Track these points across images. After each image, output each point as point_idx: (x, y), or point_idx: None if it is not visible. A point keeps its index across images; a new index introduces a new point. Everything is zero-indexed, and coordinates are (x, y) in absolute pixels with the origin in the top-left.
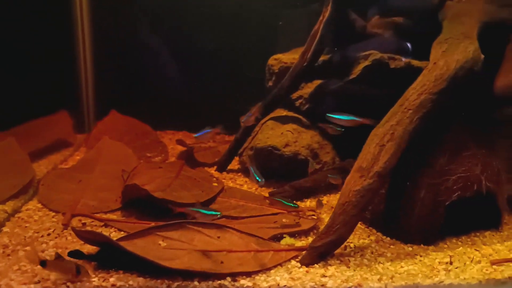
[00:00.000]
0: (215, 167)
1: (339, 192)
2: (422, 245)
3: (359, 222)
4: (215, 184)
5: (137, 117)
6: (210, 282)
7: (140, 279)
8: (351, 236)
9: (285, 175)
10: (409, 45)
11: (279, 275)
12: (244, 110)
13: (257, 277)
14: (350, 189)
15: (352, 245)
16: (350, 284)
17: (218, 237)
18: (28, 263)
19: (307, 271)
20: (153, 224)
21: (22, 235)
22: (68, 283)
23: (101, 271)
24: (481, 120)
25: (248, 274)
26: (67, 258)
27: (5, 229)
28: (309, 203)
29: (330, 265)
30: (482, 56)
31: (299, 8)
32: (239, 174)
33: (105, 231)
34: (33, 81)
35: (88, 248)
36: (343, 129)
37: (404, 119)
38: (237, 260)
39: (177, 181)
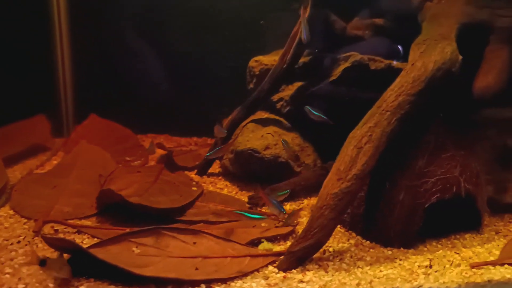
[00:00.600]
0: (196, 170)
1: None
2: (402, 249)
3: (339, 226)
4: (194, 188)
5: (118, 120)
6: None
7: (112, 287)
8: (330, 240)
9: (266, 178)
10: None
11: (255, 281)
12: (226, 113)
13: (232, 284)
14: (327, 192)
15: (331, 249)
16: None
17: (194, 243)
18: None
19: (284, 277)
20: (128, 230)
21: None
22: None
23: (72, 279)
24: (460, 121)
25: (224, 281)
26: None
27: None
28: (289, 206)
29: (308, 270)
30: (460, 57)
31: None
32: (220, 177)
33: (78, 238)
34: (9, 84)
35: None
36: (325, 117)
37: (382, 121)
38: (213, 266)
39: (155, 185)
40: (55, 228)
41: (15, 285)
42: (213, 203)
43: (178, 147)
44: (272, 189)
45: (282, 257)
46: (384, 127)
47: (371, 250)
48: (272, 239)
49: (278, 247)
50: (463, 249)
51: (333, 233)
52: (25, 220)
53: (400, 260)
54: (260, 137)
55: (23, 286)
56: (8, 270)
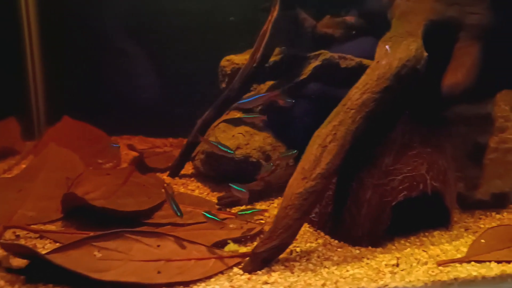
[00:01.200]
0: (168, 172)
1: None
2: (370, 248)
3: (307, 225)
4: (164, 190)
5: (93, 122)
6: None
7: None
8: (298, 240)
9: (238, 178)
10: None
11: (219, 284)
12: (199, 113)
13: (195, 286)
14: (292, 192)
15: (298, 249)
16: None
17: (158, 246)
18: None
19: (249, 278)
20: (91, 234)
21: None
22: None
23: (30, 285)
24: (428, 119)
25: (186, 284)
26: None
27: None
28: (259, 206)
29: (274, 271)
30: (425, 54)
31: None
32: (192, 179)
33: (40, 243)
34: None
35: (19, 261)
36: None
37: (347, 119)
38: (176, 269)
39: (124, 188)
40: (17, 234)
41: None
42: (182, 205)
43: (152, 148)
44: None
45: (247, 258)
46: (349, 125)
47: (339, 249)
48: (239, 240)
49: (245, 249)
50: (431, 247)
51: (302, 233)
52: None
53: (368, 259)
54: (231, 137)
55: None
56: None
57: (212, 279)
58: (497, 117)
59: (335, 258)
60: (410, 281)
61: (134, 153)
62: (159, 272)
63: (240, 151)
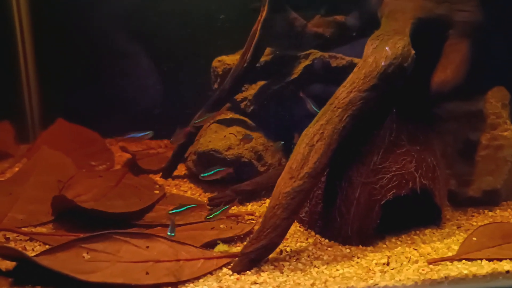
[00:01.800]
0: (161, 173)
1: None
2: (360, 246)
3: (298, 225)
4: (157, 191)
5: (87, 124)
6: None
7: None
8: (288, 240)
9: (230, 179)
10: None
11: (207, 284)
12: (192, 114)
13: (183, 287)
14: (280, 191)
15: (288, 249)
16: None
17: (147, 247)
18: None
19: (237, 279)
20: (81, 236)
21: None
22: None
23: (18, 287)
24: (417, 116)
25: (174, 285)
26: None
27: None
28: (251, 206)
29: (263, 271)
30: (413, 52)
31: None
32: (185, 180)
33: (30, 246)
34: None
35: (8, 264)
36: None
37: (334, 118)
38: (164, 270)
39: (115, 190)
40: (7, 236)
41: None
42: (174, 206)
43: (146, 149)
44: (234, 190)
45: (237, 259)
46: (336, 124)
47: (329, 249)
48: (229, 241)
49: (234, 249)
50: (422, 245)
51: (292, 232)
52: None
53: (358, 258)
54: (222, 137)
55: None
56: None
57: (201, 280)
58: (488, 114)
59: (325, 258)
60: (400, 280)
61: (127, 155)
62: (147, 273)
63: (232, 151)
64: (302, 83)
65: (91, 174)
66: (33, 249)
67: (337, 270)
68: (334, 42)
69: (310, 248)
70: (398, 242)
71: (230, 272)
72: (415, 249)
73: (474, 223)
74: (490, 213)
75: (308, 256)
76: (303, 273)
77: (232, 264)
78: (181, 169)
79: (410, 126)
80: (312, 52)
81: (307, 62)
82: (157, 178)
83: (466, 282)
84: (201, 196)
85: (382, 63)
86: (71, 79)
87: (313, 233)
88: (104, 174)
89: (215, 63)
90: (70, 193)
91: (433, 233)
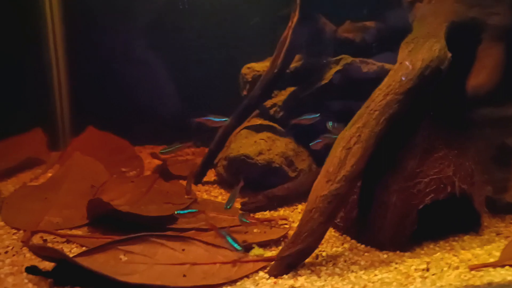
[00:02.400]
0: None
1: None
2: (398, 252)
3: (333, 230)
4: (187, 196)
5: (116, 132)
6: None
7: None
8: (324, 245)
9: (260, 184)
10: None
11: None
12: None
13: None
14: (317, 194)
15: (324, 253)
16: None
17: (183, 250)
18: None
19: (275, 283)
20: (117, 238)
21: None
22: None
23: (57, 287)
24: (452, 121)
25: None
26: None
27: None
28: (283, 211)
29: (300, 275)
30: (449, 54)
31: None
32: (215, 185)
33: (67, 248)
34: (5, 98)
35: (46, 265)
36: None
37: (371, 121)
38: (201, 274)
39: (147, 195)
40: (44, 238)
41: None
42: (206, 210)
43: (174, 156)
44: (266, 195)
45: (273, 262)
46: (373, 127)
47: (366, 254)
48: (264, 245)
49: (269, 253)
50: (462, 251)
51: (327, 238)
52: (14, 231)
53: (396, 263)
54: (253, 143)
55: None
56: None
57: (238, 283)
58: None
59: (362, 263)
60: (441, 286)
61: (157, 162)
62: (184, 276)
63: (262, 156)
64: (333, 89)
65: (123, 180)
66: (70, 251)
67: (376, 275)
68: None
69: (346, 253)
70: (437, 248)
71: (267, 276)
72: (455, 255)
73: None
74: None
75: (345, 261)
76: (341, 278)
77: (268, 268)
78: (210, 175)
79: (446, 130)
80: (343, 57)
81: (338, 67)
82: None
83: None
84: None
85: (419, 66)
86: (102, 88)
87: (348, 238)
88: (135, 180)
89: (244, 70)
90: (103, 198)
91: (472, 239)
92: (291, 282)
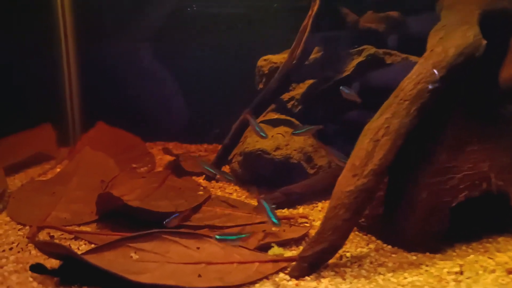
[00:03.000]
0: (204, 176)
1: None
2: (427, 253)
3: (356, 230)
4: (201, 193)
5: (127, 128)
6: None
7: None
8: (348, 245)
9: (277, 181)
10: None
11: None
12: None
13: None
14: (341, 190)
15: (348, 254)
16: None
17: (198, 248)
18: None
19: (297, 285)
20: (127, 235)
21: None
22: None
23: (64, 286)
24: (486, 114)
25: None
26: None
27: None
28: (302, 209)
29: (323, 277)
30: (484, 41)
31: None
32: (229, 182)
33: (74, 244)
34: (16, 94)
35: (52, 263)
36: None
37: (400, 111)
38: (217, 273)
39: (159, 191)
40: (51, 234)
41: None
42: (220, 207)
43: (187, 153)
44: (283, 192)
45: (294, 263)
46: (402, 118)
47: (393, 255)
48: (284, 244)
49: (289, 252)
50: (497, 254)
51: (351, 238)
52: (20, 227)
53: (427, 266)
54: (270, 137)
55: None
56: None
57: (257, 285)
58: None
59: (390, 264)
60: None
61: (169, 157)
62: (199, 276)
63: (280, 151)
64: (355, 81)
65: (134, 175)
66: (78, 248)
67: (405, 278)
68: None
69: (372, 254)
70: (470, 250)
71: (288, 277)
72: (490, 258)
73: None
74: None
75: (371, 263)
76: (367, 280)
77: (289, 269)
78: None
79: (479, 124)
80: (366, 48)
81: (360, 58)
82: (200, 180)
83: None
84: (247, 198)
85: (452, 53)
86: (112, 84)
87: (373, 238)
88: (146, 175)
89: (260, 62)
90: (114, 193)
91: (508, 241)
92: (314, 284)
